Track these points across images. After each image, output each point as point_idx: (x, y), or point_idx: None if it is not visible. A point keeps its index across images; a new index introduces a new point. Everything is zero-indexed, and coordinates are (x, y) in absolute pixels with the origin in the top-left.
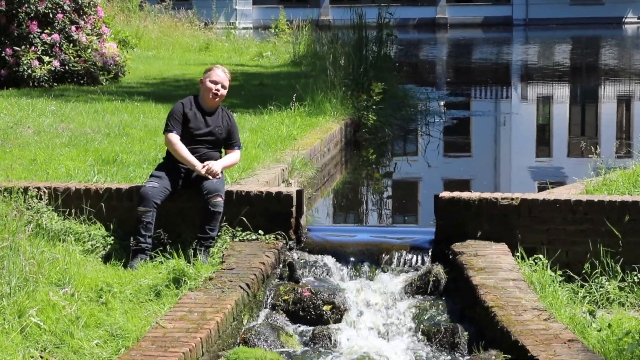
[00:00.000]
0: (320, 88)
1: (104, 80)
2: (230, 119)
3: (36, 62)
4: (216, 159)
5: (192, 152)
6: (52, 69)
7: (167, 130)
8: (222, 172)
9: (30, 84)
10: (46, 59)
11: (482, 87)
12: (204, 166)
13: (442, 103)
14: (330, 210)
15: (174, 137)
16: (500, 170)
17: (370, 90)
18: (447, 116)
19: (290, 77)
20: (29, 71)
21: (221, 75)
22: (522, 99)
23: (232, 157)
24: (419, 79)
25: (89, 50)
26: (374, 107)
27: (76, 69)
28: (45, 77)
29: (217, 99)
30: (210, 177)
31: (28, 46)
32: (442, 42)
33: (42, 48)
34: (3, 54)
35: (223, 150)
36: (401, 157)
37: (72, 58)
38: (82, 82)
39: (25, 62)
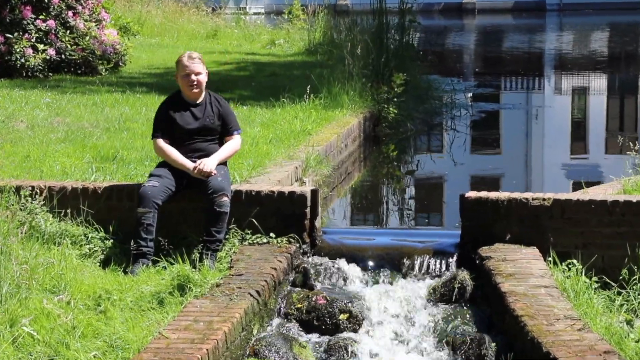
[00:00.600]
0: (337, 79)
1: (104, 70)
2: (220, 104)
3: (30, 51)
4: (213, 150)
5: (189, 149)
6: (47, 57)
7: (153, 135)
8: (227, 167)
9: (24, 74)
10: (41, 47)
11: (513, 78)
12: (194, 166)
13: (469, 95)
14: (348, 212)
15: (160, 143)
16: (532, 168)
17: (391, 82)
18: (475, 109)
19: (305, 66)
20: (22, 60)
21: (191, 64)
22: (556, 91)
23: (229, 145)
24: (444, 69)
25: (87, 38)
26: (395, 99)
27: (73, 57)
28: (40, 67)
29: (197, 90)
30: (204, 177)
31: (21, 33)
32: (470, 29)
33: (37, 35)
34: None
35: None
36: (424, 154)
37: (68, 46)
38: (79, 72)
39: (18, 50)
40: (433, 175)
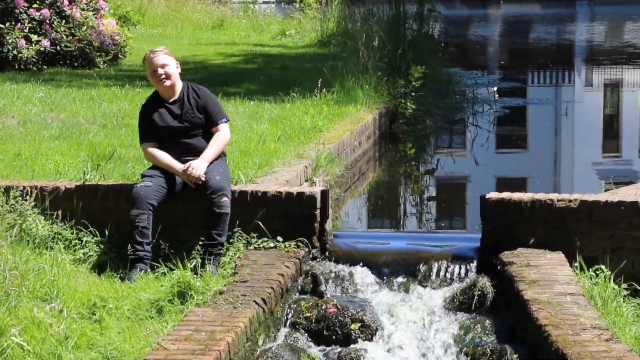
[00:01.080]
0: (351, 72)
1: (101, 63)
2: (198, 94)
3: (23, 42)
4: (203, 144)
5: (179, 149)
6: (42, 49)
7: (140, 141)
8: (225, 163)
9: (16, 67)
10: (34, 37)
11: (540, 72)
12: (184, 169)
13: (493, 90)
14: (361, 214)
15: (148, 148)
16: (560, 168)
17: (409, 75)
18: (499, 105)
19: (317, 59)
20: (15, 52)
21: (155, 58)
22: (587, 85)
23: (216, 139)
24: (466, 61)
25: (84, 28)
26: (413, 94)
27: (69, 49)
28: (34, 59)
29: (168, 83)
30: (192, 184)
31: (13, 23)
32: (494, 18)
33: (30, 25)
34: None
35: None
36: (444, 152)
37: (64, 37)
38: (75, 64)
39: (10, 41)
40: (453, 175)
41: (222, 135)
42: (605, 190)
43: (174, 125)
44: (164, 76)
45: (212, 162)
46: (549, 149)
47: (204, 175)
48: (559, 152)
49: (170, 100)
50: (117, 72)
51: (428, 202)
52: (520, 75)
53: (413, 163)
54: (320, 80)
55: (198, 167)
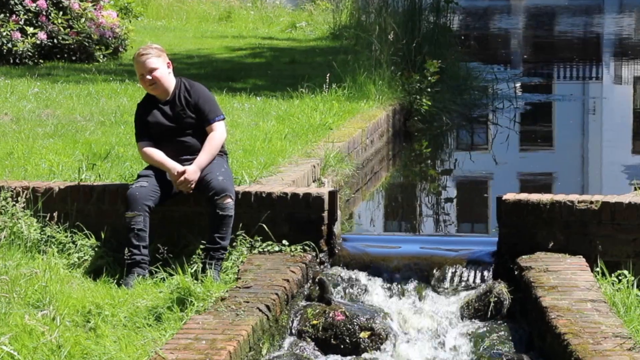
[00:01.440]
0: (364, 66)
1: (101, 57)
2: (189, 92)
3: (18, 34)
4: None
5: (174, 149)
6: (38, 42)
7: (136, 140)
8: (227, 163)
9: (11, 61)
10: (30, 30)
11: (566, 66)
12: (178, 172)
13: (517, 85)
14: (372, 216)
15: (143, 147)
16: (588, 167)
17: (424, 70)
18: (521, 101)
19: (329, 53)
20: (9, 45)
21: (142, 62)
22: (615, 81)
23: (210, 141)
24: (486, 55)
25: (83, 20)
26: (429, 89)
27: (67, 42)
28: (29, 53)
29: (157, 89)
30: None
31: (8, 14)
32: (517, 10)
33: (25, 17)
34: None
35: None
36: (462, 151)
37: (61, 29)
38: (74, 58)
39: (4, 34)
40: (472, 176)
41: (217, 135)
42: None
43: (167, 125)
44: (152, 83)
45: (212, 162)
46: (575, 147)
47: (209, 175)
48: (586, 151)
49: (163, 101)
50: (118, 67)
51: (444, 203)
52: (544, 70)
53: (429, 162)
54: (330, 75)
55: (191, 177)
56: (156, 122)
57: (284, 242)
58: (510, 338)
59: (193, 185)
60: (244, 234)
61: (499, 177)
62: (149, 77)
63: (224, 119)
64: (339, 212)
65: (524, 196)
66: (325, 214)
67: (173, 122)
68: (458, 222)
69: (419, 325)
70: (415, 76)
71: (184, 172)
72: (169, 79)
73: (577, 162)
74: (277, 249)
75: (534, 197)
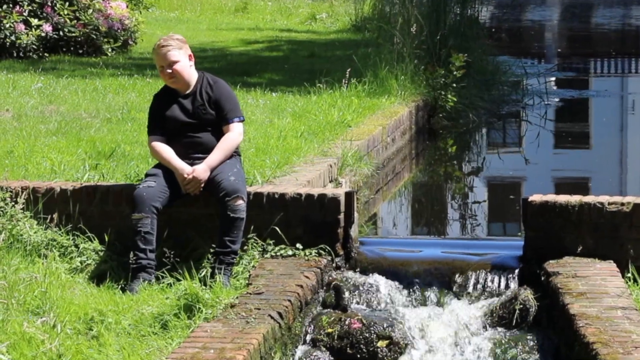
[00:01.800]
0: (385, 60)
1: (109, 50)
2: (212, 88)
3: (22, 26)
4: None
5: (186, 145)
6: (43, 35)
7: (148, 134)
8: (239, 162)
9: (14, 54)
10: (35, 21)
11: (603, 60)
12: (183, 178)
13: (549, 80)
14: (392, 218)
15: (153, 141)
16: (627, 167)
17: (450, 64)
18: (554, 97)
19: (349, 46)
20: (13, 38)
21: (162, 54)
22: None
23: (225, 142)
24: (517, 49)
25: (90, 11)
26: (454, 85)
27: (73, 35)
28: (34, 46)
29: (176, 82)
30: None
31: (11, 5)
32: (551, 1)
33: (30, 8)
34: None
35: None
36: (490, 150)
37: (68, 21)
38: (80, 51)
39: (7, 26)
40: (500, 176)
41: (232, 136)
42: None
43: (183, 120)
44: (172, 75)
45: (223, 162)
46: (613, 146)
47: (220, 175)
48: (624, 150)
49: (183, 94)
50: (127, 61)
51: (469, 206)
52: (579, 64)
53: (454, 162)
54: (350, 69)
55: (199, 175)
56: (173, 115)
57: (298, 245)
58: (537, 347)
59: (202, 186)
60: (255, 237)
61: (531, 177)
62: (169, 70)
63: (243, 120)
64: (356, 214)
65: (551, 197)
66: (342, 216)
67: (191, 117)
68: (483, 225)
69: (440, 334)
70: (440, 70)
71: (191, 173)
72: (190, 73)
73: (615, 162)
74: (290, 253)
75: (562, 198)
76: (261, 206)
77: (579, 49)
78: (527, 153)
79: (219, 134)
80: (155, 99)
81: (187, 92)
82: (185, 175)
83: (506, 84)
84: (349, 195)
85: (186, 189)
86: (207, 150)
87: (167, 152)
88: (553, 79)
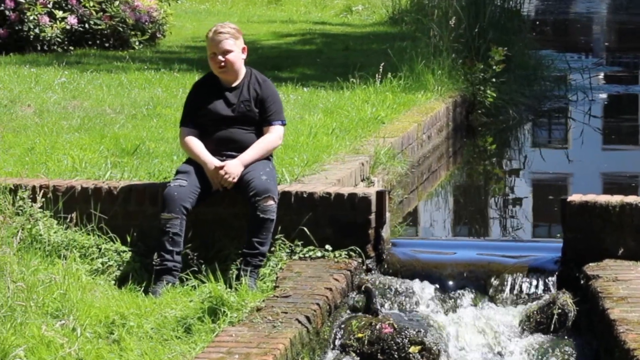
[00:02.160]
0: (422, 54)
1: (136, 43)
2: (261, 86)
3: (46, 19)
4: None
5: (220, 140)
6: (68, 27)
7: (180, 123)
8: (271, 162)
9: (38, 48)
10: (59, 14)
11: None
12: (216, 168)
13: (595, 75)
14: (426, 219)
15: (185, 134)
16: None
17: (489, 58)
18: (599, 93)
19: (385, 39)
20: (37, 31)
21: (218, 40)
22: None
23: (264, 141)
24: (561, 42)
25: (117, 3)
26: (494, 80)
27: (99, 27)
28: (58, 39)
29: (226, 72)
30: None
31: None
32: None
33: (54, 0)
34: (2, 8)
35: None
36: (531, 148)
37: (93, 13)
38: (107, 45)
39: (31, 18)
40: (542, 175)
41: (271, 138)
42: None
43: (225, 113)
44: (223, 65)
45: (256, 162)
46: None
47: (251, 174)
48: None
49: (228, 87)
50: (154, 54)
51: (507, 206)
52: (628, 59)
53: (493, 160)
54: (384, 64)
55: (232, 170)
56: (214, 107)
57: (327, 247)
58: (575, 354)
59: (235, 180)
60: (283, 238)
61: (575, 177)
62: (221, 58)
63: (284, 125)
64: (387, 215)
65: (590, 198)
66: (373, 217)
67: (233, 112)
68: (522, 226)
69: (474, 340)
70: (478, 65)
71: (221, 168)
72: (240, 65)
73: None
74: (319, 254)
75: (602, 198)
76: (289, 206)
77: (628, 43)
78: (571, 151)
79: (256, 134)
80: (197, 87)
81: (234, 85)
82: (213, 168)
83: (549, 79)
84: (380, 195)
85: (216, 184)
86: (241, 148)
87: (198, 147)
88: (601, 74)
